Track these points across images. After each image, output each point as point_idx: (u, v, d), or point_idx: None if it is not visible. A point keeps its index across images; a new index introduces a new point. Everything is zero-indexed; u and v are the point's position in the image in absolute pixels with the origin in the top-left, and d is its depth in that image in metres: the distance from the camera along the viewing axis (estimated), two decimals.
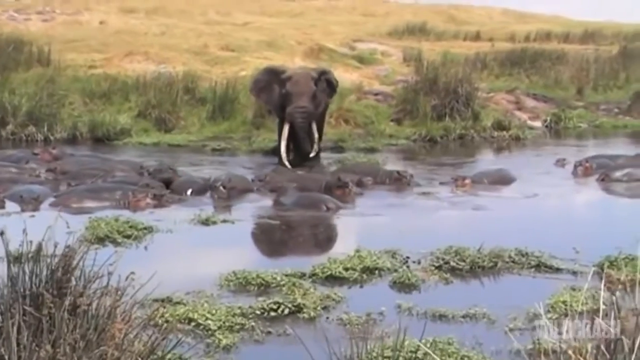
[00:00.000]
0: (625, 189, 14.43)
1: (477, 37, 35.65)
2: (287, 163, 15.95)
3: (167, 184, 13.55)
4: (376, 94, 23.76)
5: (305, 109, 16.18)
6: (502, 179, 14.74)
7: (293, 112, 16.22)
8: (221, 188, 13.11)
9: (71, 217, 9.21)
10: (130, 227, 10.65)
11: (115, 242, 10.11)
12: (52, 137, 19.64)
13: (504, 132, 21.29)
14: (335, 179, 13.48)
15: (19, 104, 20.11)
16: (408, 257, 9.47)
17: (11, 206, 12.31)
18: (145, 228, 10.75)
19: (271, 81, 16.85)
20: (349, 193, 13.15)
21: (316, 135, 16.49)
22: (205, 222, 11.38)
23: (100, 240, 10.04)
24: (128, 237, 10.38)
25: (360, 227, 11.90)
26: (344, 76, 25.55)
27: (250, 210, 12.73)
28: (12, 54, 23.98)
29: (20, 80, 22.21)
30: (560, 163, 16.62)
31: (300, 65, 25.25)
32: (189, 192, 13.28)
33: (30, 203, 12.26)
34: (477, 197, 13.49)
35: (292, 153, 16.55)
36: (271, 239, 11.43)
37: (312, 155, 16.35)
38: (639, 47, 30.97)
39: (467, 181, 14.20)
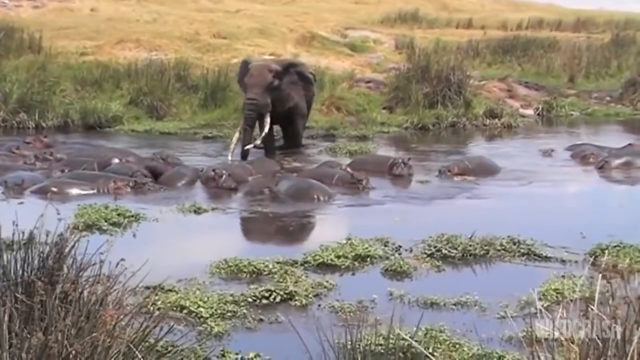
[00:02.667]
0: (624, 177, 14.43)
1: (469, 24, 35.65)
2: (230, 156, 15.61)
3: (159, 174, 13.47)
4: (368, 82, 23.75)
5: (252, 101, 15.88)
6: (480, 166, 14.64)
7: (244, 103, 16.20)
8: (218, 178, 12.95)
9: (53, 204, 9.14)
10: (119, 214, 10.60)
11: (102, 230, 10.09)
12: (43, 125, 19.59)
13: (496, 120, 21.29)
14: (349, 175, 13.35)
15: (10, 91, 20.06)
16: (400, 246, 9.45)
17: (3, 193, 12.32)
18: (133, 216, 10.70)
19: (244, 72, 16.66)
20: (363, 189, 13.08)
21: (266, 129, 16.06)
22: (197, 211, 11.35)
23: (89, 228, 10.01)
24: (117, 225, 10.34)
25: (353, 216, 11.88)
26: (336, 64, 25.63)
27: (241, 199, 12.68)
28: (3, 41, 23.90)
29: (11, 68, 22.14)
30: (547, 153, 16.44)
31: (292, 53, 25.32)
32: (179, 184, 13.17)
33: (13, 189, 12.25)
34: (473, 185, 13.50)
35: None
36: (262, 227, 11.40)
37: (247, 147, 15.85)
38: (630, 35, 31.01)
39: (456, 170, 14.16)
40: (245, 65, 16.93)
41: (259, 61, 17.72)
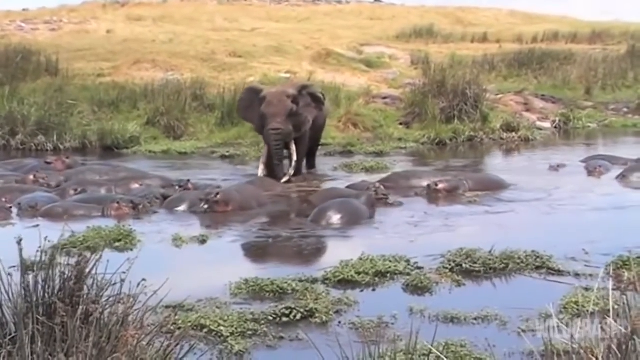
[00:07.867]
0: None
1: (484, 38, 35.71)
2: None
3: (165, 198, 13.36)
4: (384, 98, 23.80)
5: (278, 131, 15.24)
6: (484, 183, 14.56)
7: (267, 134, 15.40)
8: (212, 203, 12.55)
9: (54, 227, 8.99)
10: (119, 239, 10.42)
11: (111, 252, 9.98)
12: (61, 147, 19.70)
13: (513, 134, 21.29)
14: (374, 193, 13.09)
15: (28, 114, 20.19)
16: (421, 268, 9.36)
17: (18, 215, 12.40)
18: (133, 238, 10.55)
19: (252, 101, 15.97)
20: (390, 205, 13.00)
21: (294, 158, 15.47)
22: (203, 239, 10.95)
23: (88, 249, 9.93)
24: (119, 248, 10.18)
25: (371, 232, 11.84)
26: (352, 80, 25.69)
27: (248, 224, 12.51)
28: (21, 64, 24.10)
29: (29, 90, 22.32)
30: (554, 168, 16.27)
31: (308, 70, 25.36)
32: (180, 208, 12.77)
33: (27, 211, 12.35)
34: (491, 199, 13.49)
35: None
36: (276, 248, 11.24)
37: (283, 180, 15.15)
38: None
39: (441, 185, 14.01)
40: (252, 93, 16.25)
41: (272, 88, 16.67)
